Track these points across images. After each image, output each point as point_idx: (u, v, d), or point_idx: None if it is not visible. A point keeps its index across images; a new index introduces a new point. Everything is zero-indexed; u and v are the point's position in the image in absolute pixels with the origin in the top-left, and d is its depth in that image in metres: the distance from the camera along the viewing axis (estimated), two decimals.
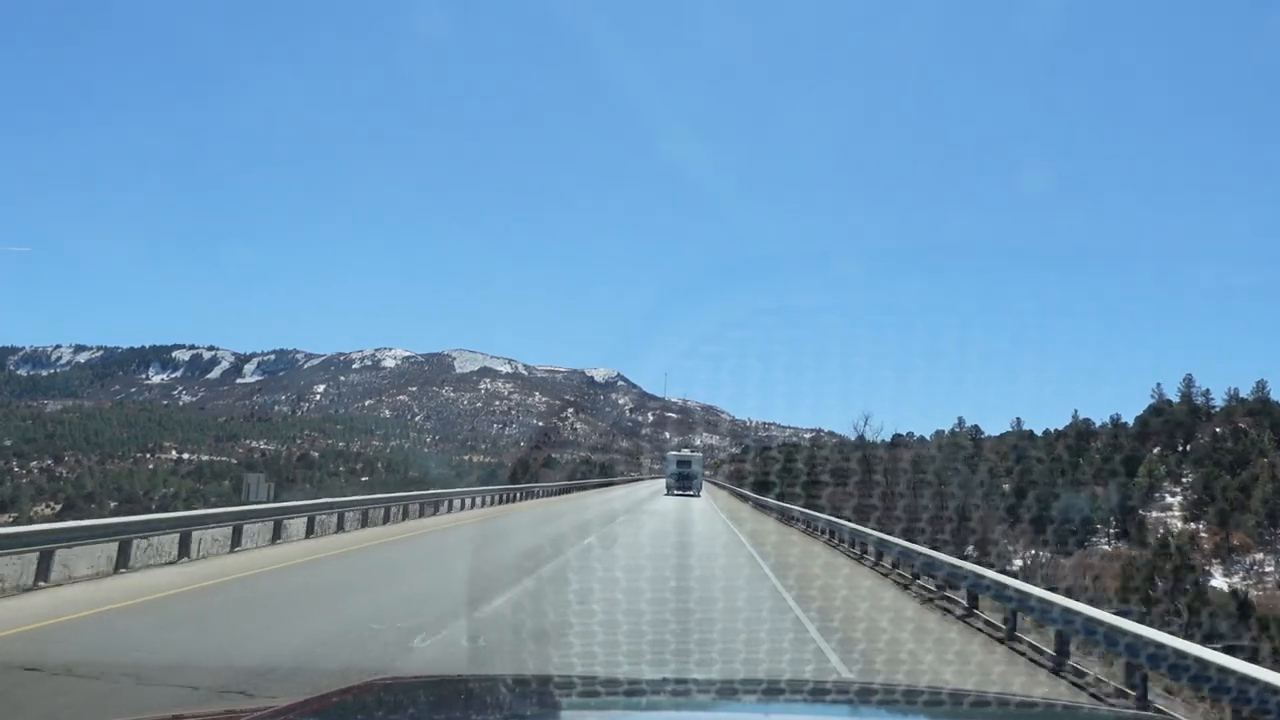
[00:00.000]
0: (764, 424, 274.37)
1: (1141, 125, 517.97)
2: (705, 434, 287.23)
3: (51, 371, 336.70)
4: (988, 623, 13.82)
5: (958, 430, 72.76)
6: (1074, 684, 10.36)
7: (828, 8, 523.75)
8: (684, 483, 72.45)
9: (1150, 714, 7.72)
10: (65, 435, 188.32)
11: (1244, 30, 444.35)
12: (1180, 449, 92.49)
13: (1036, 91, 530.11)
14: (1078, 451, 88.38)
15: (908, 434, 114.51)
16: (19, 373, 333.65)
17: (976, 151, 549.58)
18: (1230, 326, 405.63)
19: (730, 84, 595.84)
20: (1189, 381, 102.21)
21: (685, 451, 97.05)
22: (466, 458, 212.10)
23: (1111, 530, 77.63)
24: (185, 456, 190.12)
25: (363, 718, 2.63)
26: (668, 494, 69.64)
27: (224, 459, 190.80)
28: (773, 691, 3.49)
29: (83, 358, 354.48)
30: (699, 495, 70.40)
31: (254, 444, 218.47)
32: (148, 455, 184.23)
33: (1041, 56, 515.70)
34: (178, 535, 17.18)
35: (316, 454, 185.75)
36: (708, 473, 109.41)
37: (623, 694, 3.27)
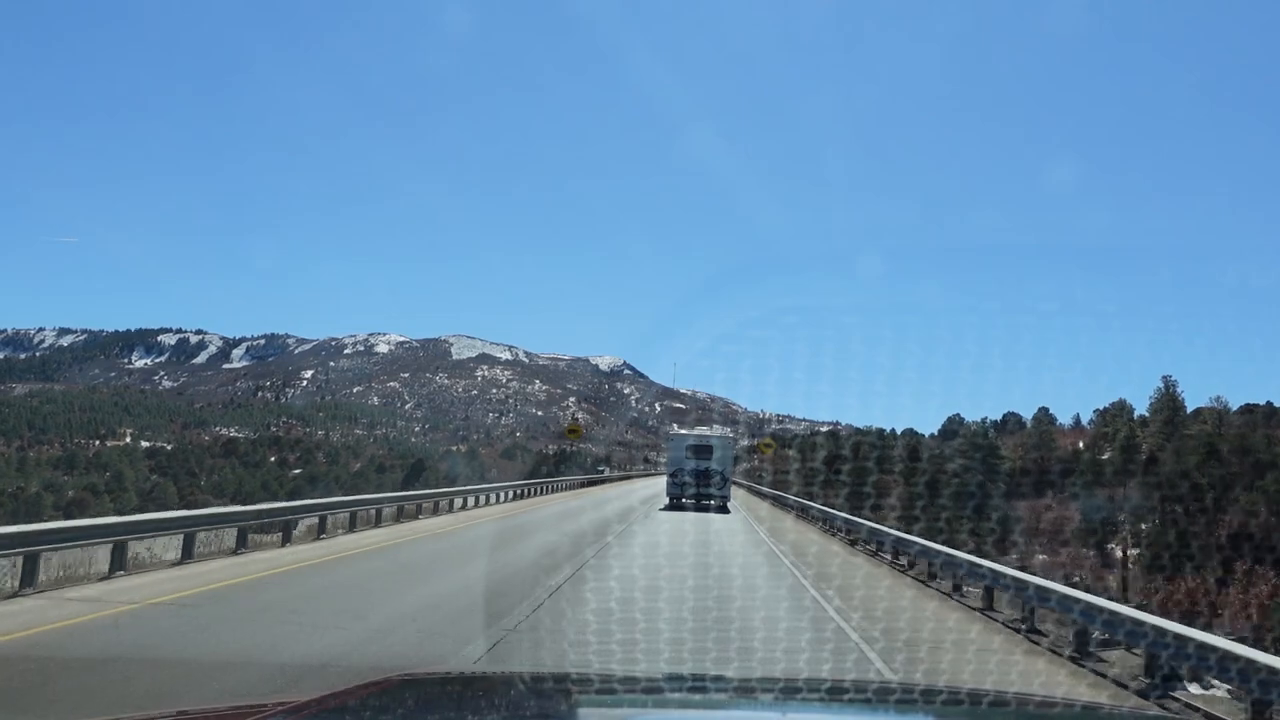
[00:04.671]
0: (780, 417, 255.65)
1: (1169, 122, 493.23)
2: (719, 427, 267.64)
3: (30, 354, 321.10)
4: None
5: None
6: None
7: (851, 4, 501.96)
8: (702, 483, 42.15)
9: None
10: (3, 420, 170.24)
11: (1273, 26, 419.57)
12: None
13: (1062, 88, 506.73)
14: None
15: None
16: None
17: (1000, 149, 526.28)
18: (1257, 327, 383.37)
19: (753, 79, 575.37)
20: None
21: (702, 430, 61.02)
22: (455, 448, 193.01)
23: None
24: (140, 444, 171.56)
25: (381, 714, 2.62)
26: (670, 505, 40.67)
27: (188, 446, 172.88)
28: (790, 690, 3.45)
29: (65, 340, 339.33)
30: (726, 509, 41.38)
31: (223, 431, 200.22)
32: (96, 442, 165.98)
33: (1067, 52, 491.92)
34: None
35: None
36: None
37: (640, 691, 3.22)
